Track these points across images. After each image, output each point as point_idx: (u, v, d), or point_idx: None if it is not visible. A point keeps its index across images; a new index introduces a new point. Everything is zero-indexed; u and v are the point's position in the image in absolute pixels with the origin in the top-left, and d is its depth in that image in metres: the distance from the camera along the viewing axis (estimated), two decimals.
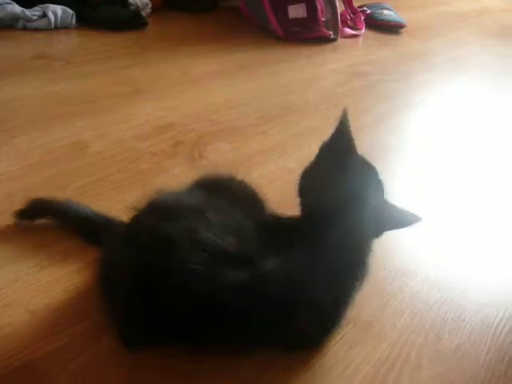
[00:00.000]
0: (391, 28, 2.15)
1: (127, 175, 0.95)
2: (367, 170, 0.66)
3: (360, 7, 2.18)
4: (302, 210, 0.67)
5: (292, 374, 0.61)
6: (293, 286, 0.56)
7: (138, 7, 1.87)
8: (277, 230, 0.63)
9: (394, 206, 0.66)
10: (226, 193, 0.66)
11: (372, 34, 2.10)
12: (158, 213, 0.60)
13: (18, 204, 0.79)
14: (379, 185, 0.66)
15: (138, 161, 1.01)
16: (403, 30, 2.17)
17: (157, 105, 1.27)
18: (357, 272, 0.62)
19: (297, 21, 1.85)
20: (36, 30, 1.65)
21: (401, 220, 0.65)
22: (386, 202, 0.66)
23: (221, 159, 1.04)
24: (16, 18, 1.64)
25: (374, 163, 0.67)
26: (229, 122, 1.20)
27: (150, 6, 1.94)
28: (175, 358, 0.59)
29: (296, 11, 1.84)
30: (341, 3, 2.07)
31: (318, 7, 1.86)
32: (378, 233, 0.65)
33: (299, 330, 0.59)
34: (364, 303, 0.70)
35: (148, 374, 0.59)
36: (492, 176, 1.13)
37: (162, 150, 1.06)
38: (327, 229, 0.59)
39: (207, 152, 1.07)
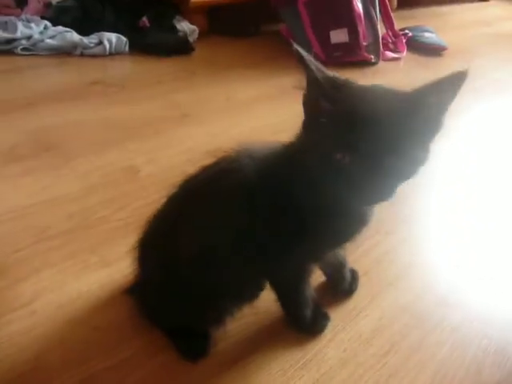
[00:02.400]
0: (432, 51, 2.15)
1: None
2: None
3: (401, 30, 2.20)
4: None
5: None
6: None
7: (185, 33, 1.97)
8: None
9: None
10: None
11: (413, 57, 2.11)
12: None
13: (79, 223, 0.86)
14: None
15: None
16: (444, 52, 2.16)
17: (203, 129, 1.33)
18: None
19: (339, 45, 1.89)
20: (92, 56, 1.78)
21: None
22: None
23: None
24: (74, 45, 1.77)
25: None
26: None
27: (196, 31, 2.04)
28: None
29: (338, 36, 1.88)
30: (382, 26, 2.10)
31: (360, 32, 1.89)
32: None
33: None
34: (405, 333, 0.73)
35: None
36: None
37: None
38: None
39: None
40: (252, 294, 0.70)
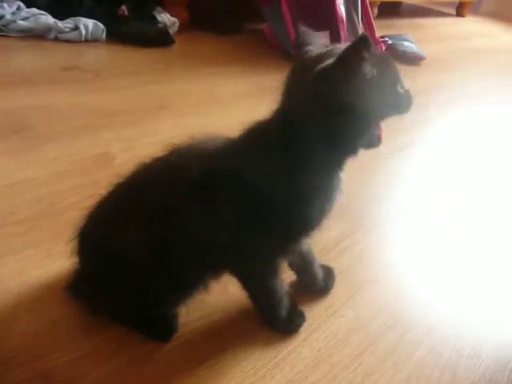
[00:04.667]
0: (411, 59, 2.18)
1: None
2: None
3: (382, 37, 2.22)
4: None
5: None
6: None
7: (165, 25, 1.93)
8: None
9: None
10: None
11: None
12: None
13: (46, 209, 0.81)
14: None
15: None
16: (423, 62, 2.20)
17: (180, 122, 1.29)
18: None
19: None
20: (67, 41, 1.71)
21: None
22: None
23: None
24: (49, 28, 1.70)
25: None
26: None
27: (177, 24, 2.00)
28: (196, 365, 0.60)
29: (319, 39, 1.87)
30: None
31: (342, 36, 1.89)
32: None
33: None
34: (381, 333, 0.71)
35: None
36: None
37: None
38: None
39: None
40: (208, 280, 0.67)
